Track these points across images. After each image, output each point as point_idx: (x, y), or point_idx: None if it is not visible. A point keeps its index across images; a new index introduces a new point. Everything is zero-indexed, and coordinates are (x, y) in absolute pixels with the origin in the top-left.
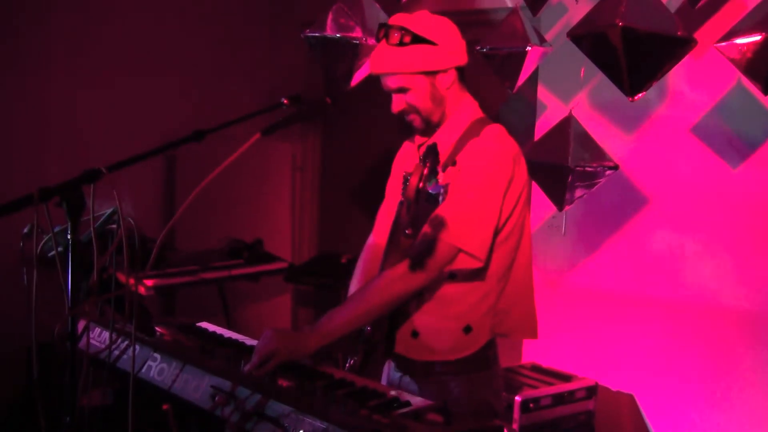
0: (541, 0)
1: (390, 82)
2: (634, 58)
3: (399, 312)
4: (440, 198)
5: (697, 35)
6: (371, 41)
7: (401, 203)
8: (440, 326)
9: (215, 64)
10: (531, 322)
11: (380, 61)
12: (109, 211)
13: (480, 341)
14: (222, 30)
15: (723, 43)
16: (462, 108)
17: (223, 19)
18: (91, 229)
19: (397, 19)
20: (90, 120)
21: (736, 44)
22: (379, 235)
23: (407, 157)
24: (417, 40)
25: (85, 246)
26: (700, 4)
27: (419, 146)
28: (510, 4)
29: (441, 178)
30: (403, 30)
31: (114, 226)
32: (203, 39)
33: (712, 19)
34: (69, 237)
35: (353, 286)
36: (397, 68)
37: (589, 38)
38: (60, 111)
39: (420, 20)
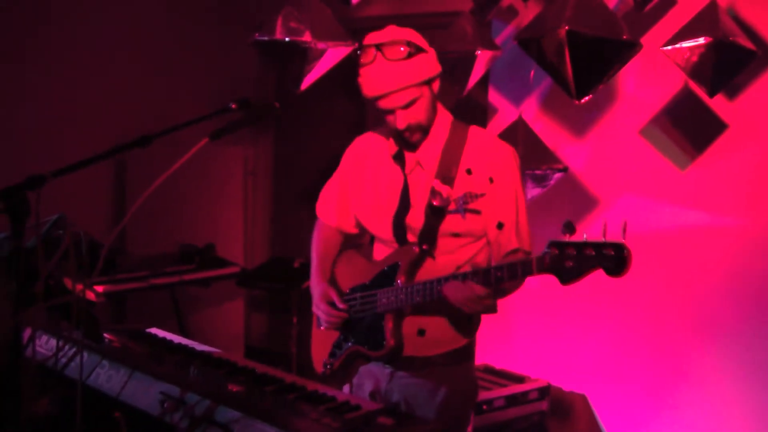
0: (491, 4)
1: (398, 99)
2: (579, 61)
3: (397, 318)
4: (461, 210)
5: (644, 39)
6: (321, 45)
7: (400, 213)
8: (449, 318)
9: (166, 68)
10: None
11: (384, 79)
12: (55, 217)
13: (477, 325)
14: (172, 33)
15: (669, 47)
16: (439, 113)
17: (173, 22)
18: (37, 235)
19: (375, 37)
20: (37, 124)
21: (682, 48)
22: (335, 220)
23: (371, 154)
24: (418, 50)
25: (31, 253)
26: (647, 8)
27: (394, 155)
28: (460, 8)
29: (444, 190)
30: (407, 43)
31: (61, 232)
32: (153, 43)
33: (660, 23)
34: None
35: (316, 256)
36: (407, 81)
37: (535, 42)
38: (5, 115)
39: (403, 32)
